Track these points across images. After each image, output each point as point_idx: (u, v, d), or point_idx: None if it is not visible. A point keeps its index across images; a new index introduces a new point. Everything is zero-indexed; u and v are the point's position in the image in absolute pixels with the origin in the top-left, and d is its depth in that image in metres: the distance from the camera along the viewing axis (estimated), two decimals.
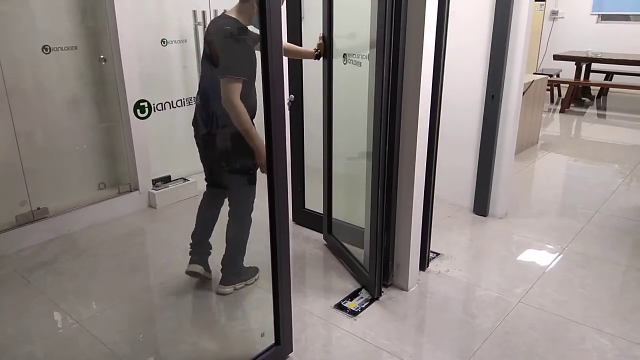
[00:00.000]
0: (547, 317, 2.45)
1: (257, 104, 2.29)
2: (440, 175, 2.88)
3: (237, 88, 2.14)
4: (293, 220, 3.36)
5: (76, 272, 2.88)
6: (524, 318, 2.45)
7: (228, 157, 2.46)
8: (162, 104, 3.67)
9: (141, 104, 1.57)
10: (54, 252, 3.10)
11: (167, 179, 3.82)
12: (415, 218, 2.59)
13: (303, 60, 3.05)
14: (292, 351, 2.18)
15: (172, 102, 3.76)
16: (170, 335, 2.37)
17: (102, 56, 3.44)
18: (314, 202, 3.33)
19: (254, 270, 2.69)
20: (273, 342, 2.12)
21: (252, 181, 2.42)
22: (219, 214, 2.59)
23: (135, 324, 2.45)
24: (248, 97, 2.21)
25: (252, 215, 2.49)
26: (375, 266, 2.54)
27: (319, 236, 3.22)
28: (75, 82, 3.40)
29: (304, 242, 3.21)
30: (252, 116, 2.26)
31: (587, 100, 7.71)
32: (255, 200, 2.47)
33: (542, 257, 3.04)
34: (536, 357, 2.19)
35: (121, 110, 3.46)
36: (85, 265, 2.96)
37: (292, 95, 2.99)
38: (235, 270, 2.59)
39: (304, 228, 3.37)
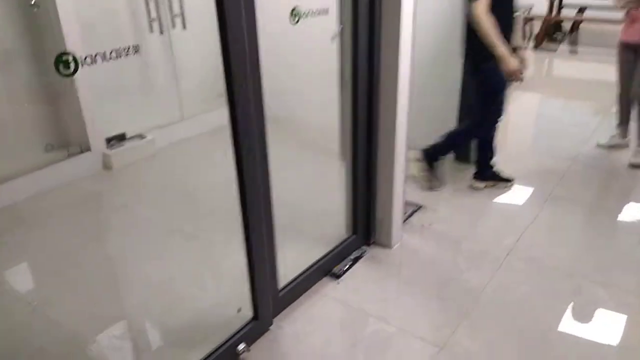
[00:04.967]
0: (536, 269, 2.34)
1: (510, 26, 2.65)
2: (418, 121, 2.66)
3: (481, 4, 2.46)
4: None
5: (25, 247, 2.60)
6: (514, 271, 2.33)
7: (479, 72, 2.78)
8: (107, 52, 3.28)
9: (63, 57, 1.25)
10: None
11: (122, 137, 3.48)
12: (398, 169, 2.39)
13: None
14: (272, 324, 2.00)
15: (119, 48, 3.36)
16: (137, 312, 2.15)
17: (32, 1, 2.99)
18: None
19: (507, 179, 3.07)
20: (251, 316, 1.93)
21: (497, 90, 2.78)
22: None
23: (96, 301, 2.21)
24: (499, 15, 2.51)
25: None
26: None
27: None
28: (3, 32, 2.96)
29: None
30: (506, 34, 2.57)
31: (559, 36, 7.56)
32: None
33: (527, 205, 2.91)
34: (531, 313, 2.07)
35: None
36: (34, 238, 2.66)
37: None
38: (487, 171, 3.04)
39: None
